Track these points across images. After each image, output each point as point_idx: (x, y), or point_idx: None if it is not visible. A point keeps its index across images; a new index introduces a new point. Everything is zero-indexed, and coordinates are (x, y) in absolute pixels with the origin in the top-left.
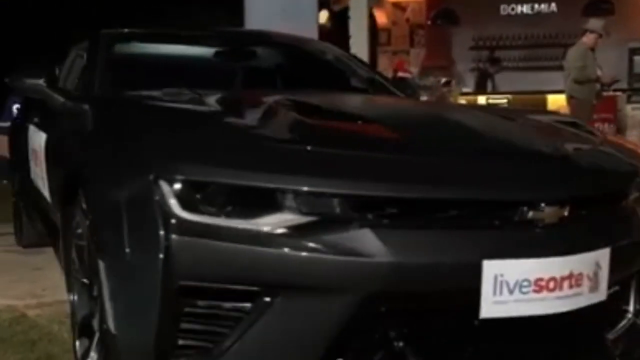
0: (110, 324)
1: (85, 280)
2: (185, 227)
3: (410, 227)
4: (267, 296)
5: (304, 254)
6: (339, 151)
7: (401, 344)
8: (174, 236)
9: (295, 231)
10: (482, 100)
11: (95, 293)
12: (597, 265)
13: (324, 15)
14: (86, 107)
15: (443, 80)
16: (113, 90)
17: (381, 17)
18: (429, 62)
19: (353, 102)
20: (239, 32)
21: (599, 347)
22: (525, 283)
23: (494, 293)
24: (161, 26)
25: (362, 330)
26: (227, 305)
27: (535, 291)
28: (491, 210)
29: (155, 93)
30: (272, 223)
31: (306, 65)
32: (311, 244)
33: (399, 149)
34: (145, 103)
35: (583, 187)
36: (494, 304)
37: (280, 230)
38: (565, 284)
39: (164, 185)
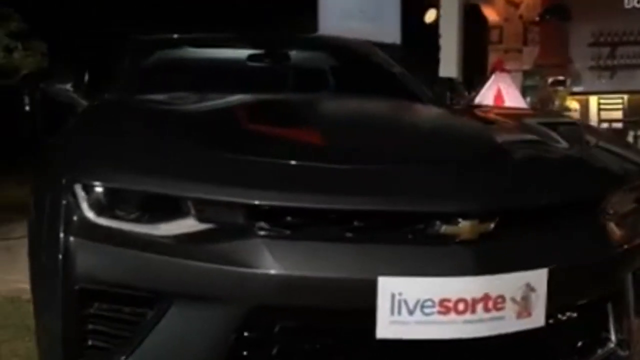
0: (36, 322)
1: None
2: (87, 231)
3: (304, 239)
4: (163, 302)
5: (195, 262)
6: (243, 158)
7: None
8: (73, 239)
9: (190, 239)
10: (593, 100)
11: None
12: (529, 287)
13: (432, 14)
14: (82, 110)
15: (550, 79)
16: (128, 95)
17: (492, 14)
18: (542, 60)
19: (322, 105)
20: (275, 36)
21: None
22: (429, 303)
23: (392, 312)
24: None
25: (253, 343)
26: (127, 309)
27: (440, 313)
28: (396, 223)
29: (159, 97)
30: (168, 230)
31: (335, 68)
32: (203, 252)
33: (309, 156)
34: (113, 108)
35: (516, 200)
36: (391, 324)
37: (174, 237)
38: (479, 306)
39: (75, 189)
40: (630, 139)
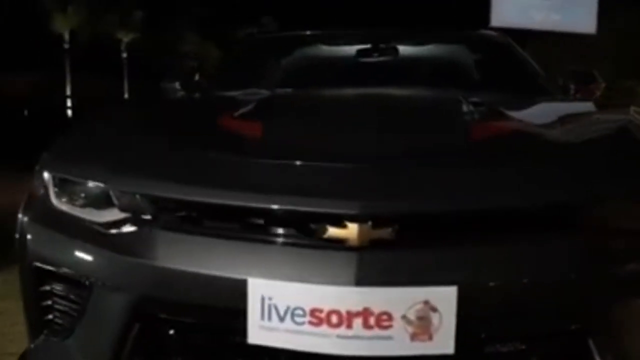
0: None
1: None
2: (41, 214)
3: (192, 233)
4: (88, 286)
5: (104, 249)
6: (162, 149)
7: (175, 356)
8: (25, 220)
9: (107, 227)
10: None
11: None
12: (429, 307)
13: None
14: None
15: None
16: (213, 88)
17: None
18: None
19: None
20: (394, 30)
21: None
22: (299, 312)
23: (262, 317)
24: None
25: (144, 335)
26: (73, 290)
27: (312, 323)
28: (281, 222)
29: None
30: (103, 218)
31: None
32: (112, 241)
33: (225, 150)
34: (154, 103)
35: (417, 205)
36: (261, 330)
37: (102, 225)
38: (357, 321)
39: (44, 176)
40: None
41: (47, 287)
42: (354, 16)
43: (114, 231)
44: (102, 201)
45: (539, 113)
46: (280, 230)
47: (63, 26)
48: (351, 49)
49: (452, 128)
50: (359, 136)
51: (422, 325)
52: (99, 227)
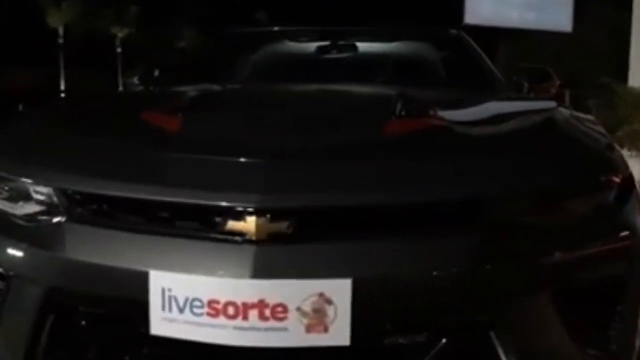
0: None
1: None
2: None
3: (101, 226)
4: (7, 277)
5: (20, 241)
6: (66, 142)
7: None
8: None
9: (27, 219)
10: None
11: None
12: (323, 298)
13: None
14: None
15: None
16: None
17: None
18: None
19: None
20: (361, 28)
21: None
22: (197, 303)
23: (163, 309)
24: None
25: (57, 328)
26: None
27: (210, 315)
28: (180, 215)
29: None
30: (22, 211)
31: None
32: (26, 232)
33: (135, 143)
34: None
35: (314, 198)
36: (162, 321)
37: (14, 218)
38: (253, 313)
39: None
40: None
41: None
42: (341, 12)
43: (30, 224)
44: (21, 195)
45: (472, 110)
46: (182, 224)
47: (57, 21)
48: (312, 46)
49: (367, 124)
50: (270, 131)
51: (317, 317)
52: (18, 219)
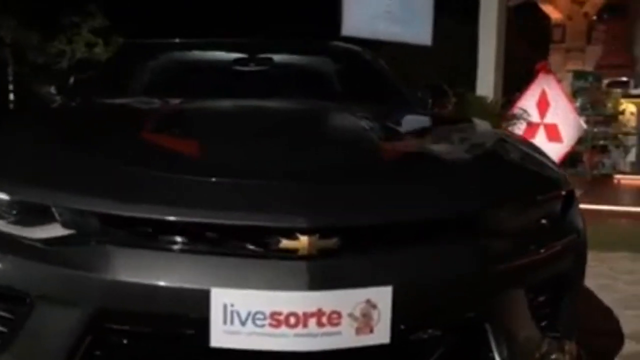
0: None
1: None
2: None
3: (147, 248)
4: (29, 302)
5: (52, 265)
6: (103, 166)
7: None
8: None
9: (52, 243)
10: None
11: None
12: (370, 304)
13: None
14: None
15: (607, 81)
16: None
17: (554, 12)
18: (605, 61)
19: (238, 115)
20: (268, 41)
21: None
22: (260, 316)
23: (224, 322)
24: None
25: (96, 345)
26: (3, 306)
27: (272, 325)
28: (235, 236)
29: (125, 101)
30: (39, 233)
31: (320, 74)
32: (59, 256)
33: (168, 168)
34: (39, 114)
35: (361, 217)
36: (224, 334)
37: (42, 241)
38: (312, 321)
39: None
40: None
41: None
42: (200, 20)
43: (57, 247)
44: (38, 217)
45: (423, 127)
46: (238, 244)
47: None
48: (225, 58)
49: (362, 145)
50: (288, 153)
51: (365, 321)
52: (37, 243)
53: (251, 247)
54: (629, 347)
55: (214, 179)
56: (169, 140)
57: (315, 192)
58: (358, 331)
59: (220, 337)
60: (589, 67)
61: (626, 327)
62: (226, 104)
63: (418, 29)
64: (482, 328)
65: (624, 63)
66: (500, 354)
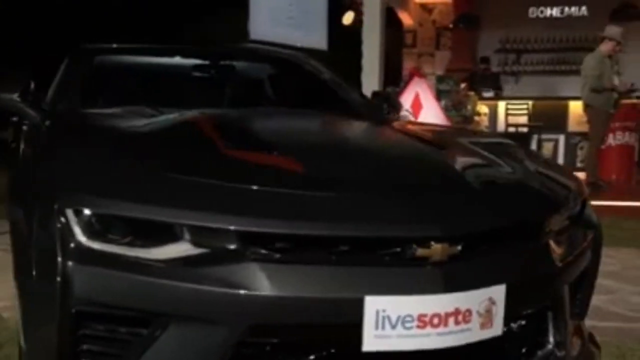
0: (22, 342)
1: None
2: (84, 255)
3: (295, 262)
4: (160, 323)
5: (192, 284)
6: (232, 185)
7: None
8: (71, 263)
9: (186, 262)
10: (501, 105)
11: None
12: (491, 301)
13: (349, 17)
14: (40, 124)
15: (463, 84)
16: (76, 106)
17: (406, 19)
18: (453, 65)
19: (282, 127)
20: (219, 48)
21: None
22: (408, 319)
23: (376, 327)
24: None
25: (245, 358)
26: (123, 329)
27: (419, 327)
28: (378, 247)
29: (115, 111)
30: (165, 254)
31: (282, 82)
32: (199, 276)
33: (295, 184)
34: (75, 126)
35: (478, 224)
36: (375, 338)
37: (171, 261)
38: (451, 320)
39: (68, 214)
40: (533, 142)
41: (87, 331)
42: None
43: (193, 266)
44: (159, 238)
45: (453, 140)
46: (381, 254)
47: None
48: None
49: (432, 158)
50: (380, 167)
51: (487, 316)
52: (165, 263)
53: (392, 256)
54: None
55: (340, 194)
56: (265, 158)
57: (439, 204)
58: (482, 326)
59: (371, 341)
60: (439, 71)
61: None
62: (270, 119)
63: (316, 35)
64: (544, 316)
65: (470, 68)
66: (554, 338)
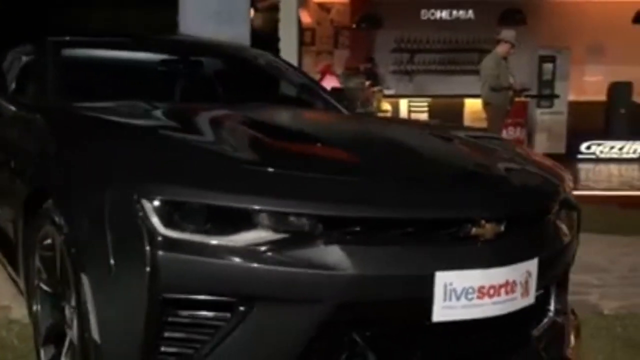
0: (95, 334)
1: (49, 290)
2: (167, 244)
3: (372, 244)
4: (244, 306)
5: (276, 267)
6: (305, 174)
7: (364, 345)
8: (158, 252)
9: (269, 247)
10: (403, 103)
11: (70, 303)
12: (528, 273)
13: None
14: (44, 118)
15: (368, 82)
16: (63, 100)
17: (305, 17)
18: (352, 64)
19: (305, 121)
20: (185, 41)
21: (526, 343)
22: (471, 290)
23: (444, 300)
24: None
25: (329, 335)
26: (208, 314)
27: (478, 297)
28: (441, 227)
29: (109, 105)
30: (247, 240)
31: (247, 76)
32: (283, 259)
33: (359, 172)
34: (109, 119)
35: (517, 205)
36: (443, 309)
37: (254, 246)
38: (502, 290)
39: (146, 205)
40: None
41: (170, 318)
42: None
43: (278, 249)
44: (239, 223)
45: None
46: (446, 233)
47: None
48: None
49: (456, 150)
50: (417, 159)
51: (525, 287)
52: (246, 248)
53: (451, 235)
54: None
55: (401, 183)
56: (319, 150)
57: (485, 190)
58: (522, 295)
59: (440, 312)
60: (337, 69)
61: None
62: (290, 116)
63: (240, 30)
64: (548, 287)
65: (367, 67)
66: (555, 305)
